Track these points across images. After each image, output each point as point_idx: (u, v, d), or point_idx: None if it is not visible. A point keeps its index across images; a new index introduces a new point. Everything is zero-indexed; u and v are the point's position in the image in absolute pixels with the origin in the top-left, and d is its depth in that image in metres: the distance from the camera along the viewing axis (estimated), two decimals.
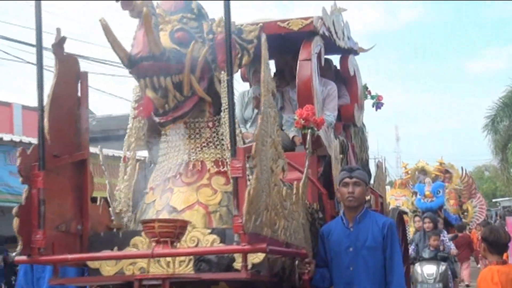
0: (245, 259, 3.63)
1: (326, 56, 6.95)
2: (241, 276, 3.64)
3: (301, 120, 5.24)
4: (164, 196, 4.45)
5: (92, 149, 4.76)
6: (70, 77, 4.15)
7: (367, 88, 7.63)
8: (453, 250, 11.06)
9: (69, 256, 3.74)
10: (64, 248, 3.96)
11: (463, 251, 14.10)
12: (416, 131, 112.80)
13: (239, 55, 4.71)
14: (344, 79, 7.13)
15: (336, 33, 6.35)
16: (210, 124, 4.59)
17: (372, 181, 7.23)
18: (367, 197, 4.91)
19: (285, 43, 6.11)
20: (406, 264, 8.12)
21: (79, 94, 4.25)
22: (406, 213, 16.62)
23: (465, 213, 19.75)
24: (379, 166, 7.50)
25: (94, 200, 4.40)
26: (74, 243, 4.10)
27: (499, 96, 22.79)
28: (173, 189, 4.45)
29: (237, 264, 3.90)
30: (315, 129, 5.27)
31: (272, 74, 6.98)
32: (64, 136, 4.04)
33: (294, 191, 4.36)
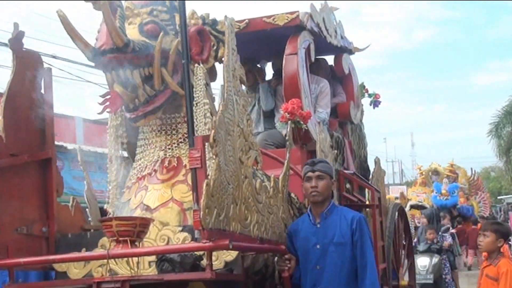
0: (209, 257, 2.94)
1: (322, 56, 6.32)
2: (206, 276, 2.94)
3: (286, 114, 4.53)
4: (139, 194, 3.79)
5: None
6: (31, 73, 3.51)
7: (364, 87, 6.88)
8: (447, 242, 10.22)
9: (22, 260, 3.08)
10: (26, 251, 3.33)
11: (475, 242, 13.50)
12: (429, 138, 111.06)
13: (215, 47, 4.05)
14: (340, 78, 6.40)
15: (327, 30, 5.63)
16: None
17: (370, 177, 6.47)
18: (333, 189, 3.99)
19: (280, 43, 5.42)
20: (410, 258, 7.36)
21: (42, 91, 3.60)
22: (426, 207, 16.39)
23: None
24: (376, 162, 6.73)
25: None
26: (39, 245, 3.46)
27: (502, 105, 22.78)
28: (148, 187, 3.80)
29: (206, 263, 3.22)
30: (301, 122, 4.56)
31: (271, 75, 6.32)
32: (23, 134, 3.42)
33: (272, 184, 3.64)
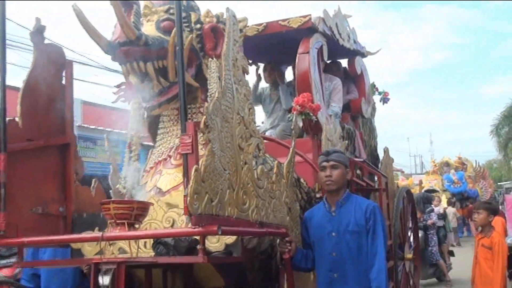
0: (202, 242, 2.29)
1: (336, 60, 5.59)
2: (198, 260, 2.30)
3: (297, 106, 3.84)
4: (154, 178, 3.18)
5: None
6: (52, 65, 2.92)
7: (374, 86, 6.10)
8: (431, 220, 9.20)
9: (26, 239, 2.50)
10: (42, 229, 2.74)
11: None
12: (445, 137, 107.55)
13: None
14: (353, 78, 5.64)
15: (340, 34, 4.89)
16: (202, 109, 3.27)
17: (380, 164, 5.69)
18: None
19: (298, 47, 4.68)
20: (416, 241, 6.51)
21: (63, 82, 3.01)
22: (437, 191, 16.43)
23: None
24: (385, 151, 5.95)
25: None
26: (56, 224, 2.87)
27: (501, 110, 23.17)
28: (162, 171, 3.18)
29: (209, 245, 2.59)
30: (311, 114, 3.86)
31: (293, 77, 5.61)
32: (41, 121, 2.83)
33: (275, 170, 2.96)
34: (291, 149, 3.19)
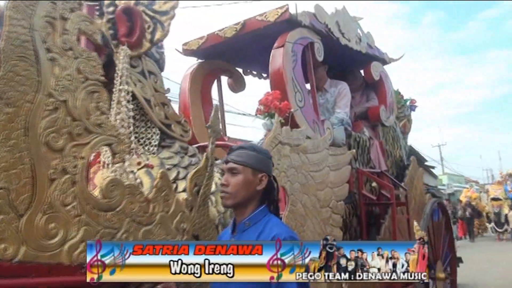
0: None
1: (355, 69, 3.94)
2: None
3: (261, 107, 2.35)
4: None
5: None
6: None
7: (399, 93, 4.28)
8: None
9: None
10: None
11: None
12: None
13: (150, 29, 2.06)
14: (374, 85, 3.93)
15: (342, 33, 3.28)
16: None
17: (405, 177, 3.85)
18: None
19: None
20: (452, 252, 4.43)
21: None
22: (500, 199, 15.30)
23: None
24: (412, 161, 4.10)
25: None
26: None
27: None
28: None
29: None
30: (276, 115, 2.33)
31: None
32: None
33: (156, 182, 1.53)
34: (204, 156, 1.73)
